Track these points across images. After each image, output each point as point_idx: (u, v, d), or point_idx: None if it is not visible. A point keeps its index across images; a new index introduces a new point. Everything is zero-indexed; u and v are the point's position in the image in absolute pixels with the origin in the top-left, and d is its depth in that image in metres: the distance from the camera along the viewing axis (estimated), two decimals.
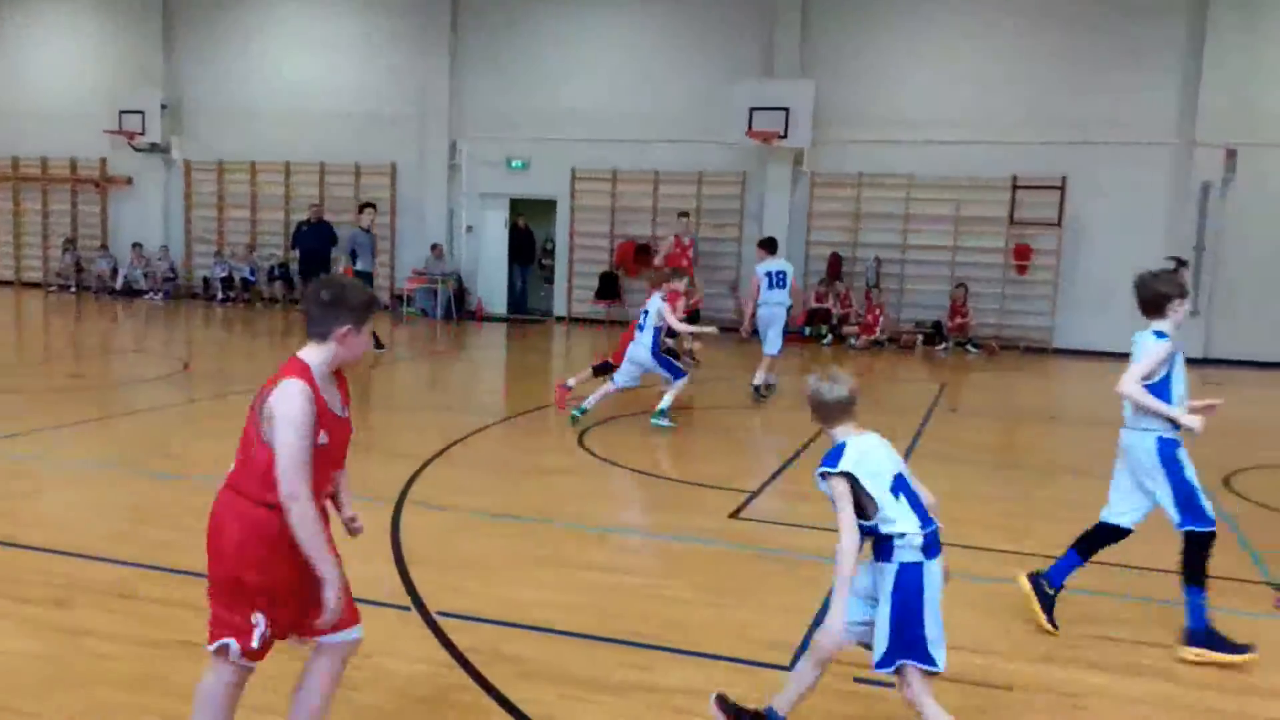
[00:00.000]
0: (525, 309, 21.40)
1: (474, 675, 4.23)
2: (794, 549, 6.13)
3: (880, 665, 3.49)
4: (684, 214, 17.41)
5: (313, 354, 3.11)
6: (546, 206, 20.47)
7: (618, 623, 4.86)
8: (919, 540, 3.44)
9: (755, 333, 11.78)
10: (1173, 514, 4.76)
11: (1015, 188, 17.46)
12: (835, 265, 18.44)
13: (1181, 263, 13.85)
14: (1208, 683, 4.49)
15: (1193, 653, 4.63)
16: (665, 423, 9.60)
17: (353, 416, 3.29)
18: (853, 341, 17.71)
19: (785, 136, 17.63)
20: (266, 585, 3.07)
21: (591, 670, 4.36)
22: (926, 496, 3.60)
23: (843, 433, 3.58)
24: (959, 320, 17.70)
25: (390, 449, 8.28)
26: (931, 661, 3.44)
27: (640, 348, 9.69)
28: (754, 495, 7.35)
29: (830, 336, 18.00)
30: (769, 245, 12.07)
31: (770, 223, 18.67)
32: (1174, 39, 16.74)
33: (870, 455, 3.51)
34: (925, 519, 3.49)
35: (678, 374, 9.80)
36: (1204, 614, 4.68)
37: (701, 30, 18.94)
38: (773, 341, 11.62)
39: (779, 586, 5.48)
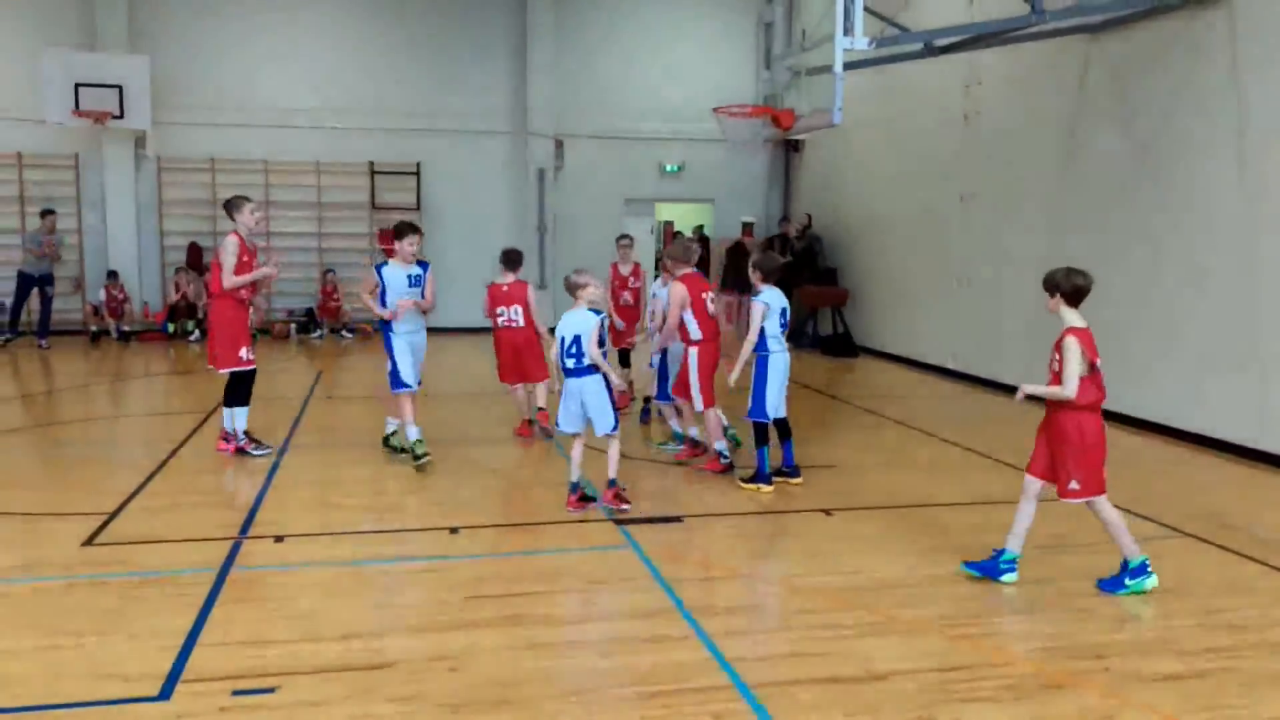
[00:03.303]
0: None
1: None
2: (161, 567, 5.64)
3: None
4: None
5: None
6: None
7: None
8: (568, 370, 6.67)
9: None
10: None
11: (374, 173, 17.85)
12: (195, 255, 17.29)
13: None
14: (564, 619, 5.02)
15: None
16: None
17: None
18: None
19: (121, 117, 16.01)
20: None
21: None
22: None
23: (578, 304, 6.72)
24: (331, 306, 17.68)
25: None
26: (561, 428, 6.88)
27: None
28: (112, 516, 6.61)
29: (198, 332, 16.85)
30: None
31: (115, 211, 17.00)
32: (502, 38, 18.27)
33: (564, 323, 6.66)
34: (562, 360, 6.65)
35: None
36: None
37: None
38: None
39: (145, 611, 4.98)
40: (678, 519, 6.72)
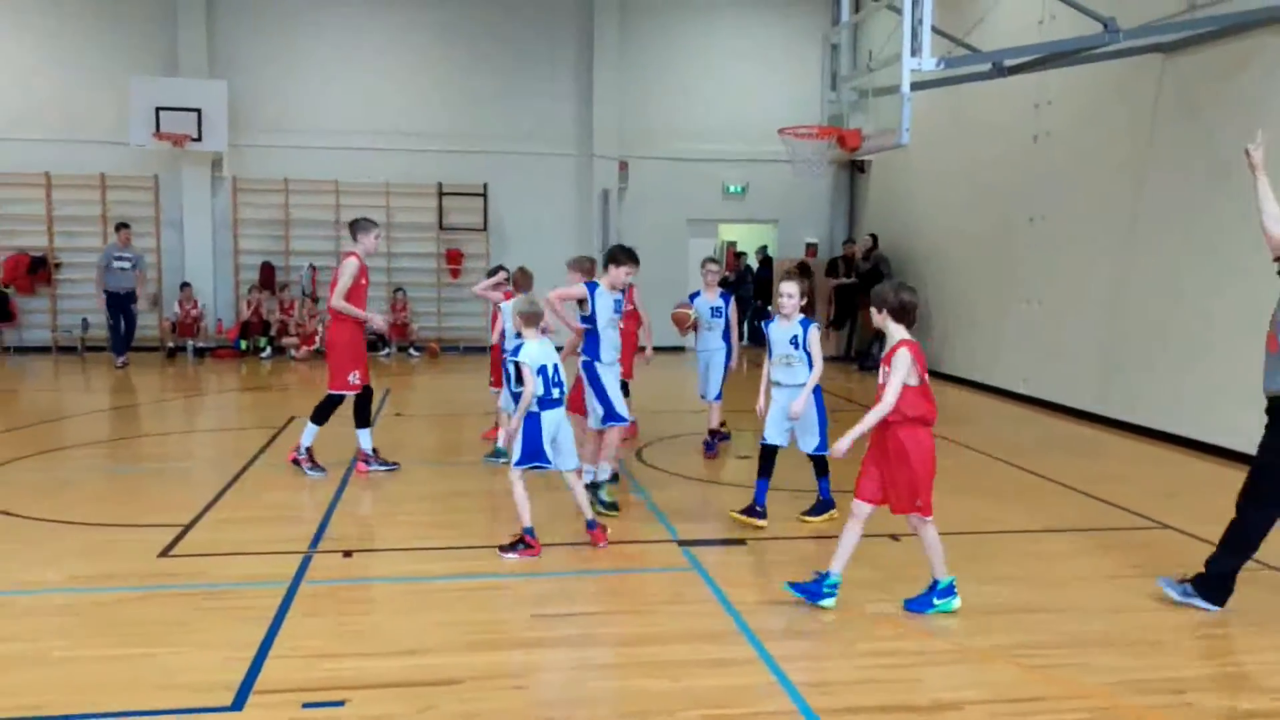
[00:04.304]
0: None
1: None
2: (231, 579, 5.76)
3: (515, 464, 6.22)
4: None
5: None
6: None
7: (13, 699, 4.17)
8: (538, 401, 6.10)
9: None
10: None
11: (442, 194, 18.14)
12: (268, 274, 17.71)
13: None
14: (628, 640, 5.01)
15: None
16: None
17: None
18: (293, 353, 17.15)
19: (200, 139, 16.51)
20: None
21: None
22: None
23: (531, 335, 6.22)
24: (400, 324, 17.96)
25: None
26: (542, 462, 6.21)
27: None
28: (187, 529, 6.76)
29: (269, 349, 17.24)
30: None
31: (191, 231, 17.52)
32: (568, 62, 18.52)
33: (531, 353, 6.10)
34: (548, 391, 6.11)
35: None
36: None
37: (93, 22, 17.05)
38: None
39: (214, 623, 5.08)
40: (741, 542, 6.68)
